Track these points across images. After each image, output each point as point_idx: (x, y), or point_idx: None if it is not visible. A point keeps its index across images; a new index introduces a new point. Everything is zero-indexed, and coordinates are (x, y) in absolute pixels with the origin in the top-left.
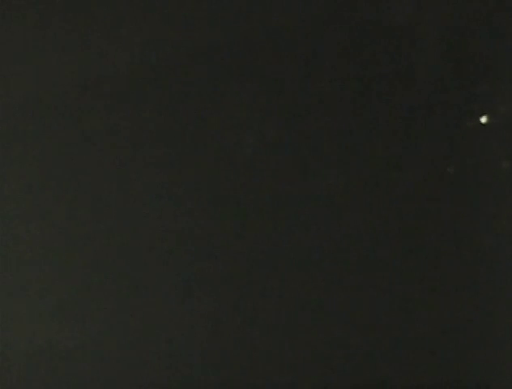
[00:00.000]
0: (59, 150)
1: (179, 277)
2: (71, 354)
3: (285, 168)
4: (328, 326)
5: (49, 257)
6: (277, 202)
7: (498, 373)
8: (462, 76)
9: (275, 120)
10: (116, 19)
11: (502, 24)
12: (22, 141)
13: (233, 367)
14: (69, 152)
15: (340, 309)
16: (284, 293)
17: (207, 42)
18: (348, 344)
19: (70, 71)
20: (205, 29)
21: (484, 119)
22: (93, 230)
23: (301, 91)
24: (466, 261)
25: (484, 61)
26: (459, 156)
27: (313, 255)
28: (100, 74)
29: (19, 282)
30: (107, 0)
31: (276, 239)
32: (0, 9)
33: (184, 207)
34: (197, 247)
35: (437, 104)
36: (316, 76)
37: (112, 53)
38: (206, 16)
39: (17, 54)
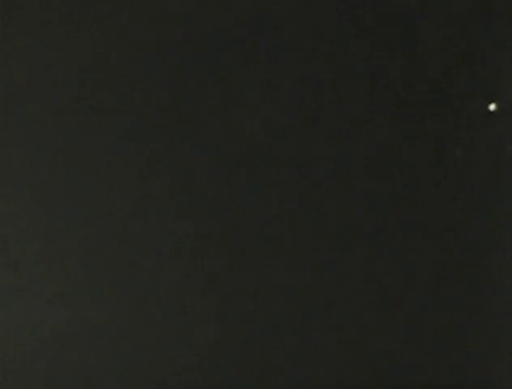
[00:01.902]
0: (57, 147)
1: (181, 266)
2: (71, 341)
3: (290, 162)
4: (327, 326)
5: (49, 246)
6: (281, 196)
7: (498, 373)
8: (469, 63)
9: (280, 112)
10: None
11: (509, 7)
12: (18, 138)
13: (233, 367)
14: (67, 150)
15: (339, 308)
16: (285, 293)
17: (208, 30)
18: (348, 344)
19: (67, 67)
20: (205, 16)
21: (491, 106)
22: (94, 219)
23: (307, 79)
24: (467, 259)
25: (490, 44)
26: (466, 144)
27: (313, 254)
28: (97, 68)
29: (18, 270)
30: None
31: (280, 235)
32: None
33: (186, 202)
34: (199, 242)
35: (444, 92)
36: (321, 64)
37: (111, 43)
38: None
39: (15, 51)
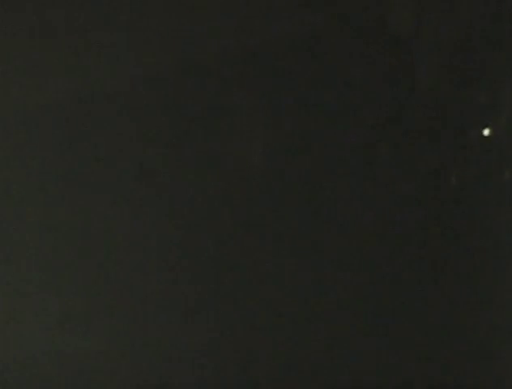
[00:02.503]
0: (60, 159)
1: (183, 283)
2: (72, 361)
3: (290, 180)
4: (327, 326)
5: (51, 262)
6: (281, 211)
7: (498, 373)
8: (464, 86)
9: (278, 131)
10: (117, 28)
11: (504, 34)
12: (22, 149)
13: (233, 367)
14: (71, 162)
15: (339, 309)
16: (285, 294)
17: (210, 52)
18: (348, 344)
19: (71, 82)
20: (207, 38)
21: (485, 131)
22: (96, 236)
23: (303, 100)
24: (466, 265)
25: (485, 70)
26: (461, 167)
27: (315, 256)
28: (101, 86)
29: (20, 287)
30: (109, 9)
31: (280, 246)
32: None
33: (187, 216)
34: (200, 254)
35: (439, 115)
36: (318, 84)
37: (113, 63)
38: (208, 25)
39: (17, 63)
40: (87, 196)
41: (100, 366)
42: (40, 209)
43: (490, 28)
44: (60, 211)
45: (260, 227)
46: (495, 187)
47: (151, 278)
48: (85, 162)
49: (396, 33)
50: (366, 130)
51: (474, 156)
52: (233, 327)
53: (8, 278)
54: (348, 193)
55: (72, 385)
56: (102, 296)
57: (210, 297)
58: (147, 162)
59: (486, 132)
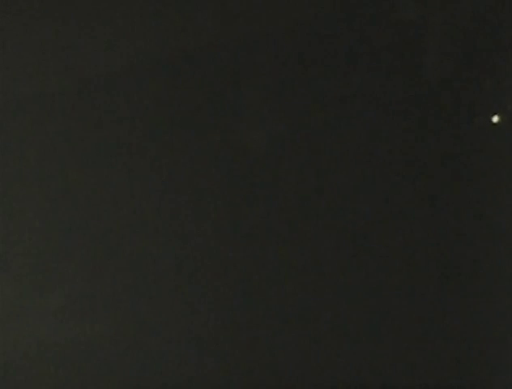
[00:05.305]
0: (57, 147)
1: (182, 275)
2: (72, 352)
3: (290, 167)
4: (328, 326)
5: (51, 252)
6: (282, 201)
7: (498, 373)
8: (471, 74)
9: (278, 119)
10: (114, 15)
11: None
12: (19, 138)
13: (233, 367)
14: (67, 150)
15: (340, 309)
16: (286, 294)
17: (209, 39)
18: (349, 345)
19: (69, 69)
20: (207, 25)
21: (493, 118)
22: (95, 228)
23: (307, 89)
24: (468, 259)
25: (492, 59)
26: (468, 154)
27: (315, 256)
28: (99, 72)
29: (21, 277)
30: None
31: (281, 237)
32: None
33: (187, 203)
34: (201, 243)
35: (446, 103)
36: (322, 73)
37: (112, 49)
38: (207, 12)
39: (15, 53)
40: (88, 185)
41: (100, 355)
42: (41, 200)
43: (496, 18)
44: (62, 199)
45: (262, 226)
46: (502, 173)
47: (152, 271)
48: (84, 151)
49: (402, 18)
50: (370, 117)
51: (482, 142)
52: (234, 326)
53: (11, 267)
54: (349, 185)
55: (72, 373)
56: (101, 288)
57: (210, 295)
58: (143, 155)
59: (495, 119)
